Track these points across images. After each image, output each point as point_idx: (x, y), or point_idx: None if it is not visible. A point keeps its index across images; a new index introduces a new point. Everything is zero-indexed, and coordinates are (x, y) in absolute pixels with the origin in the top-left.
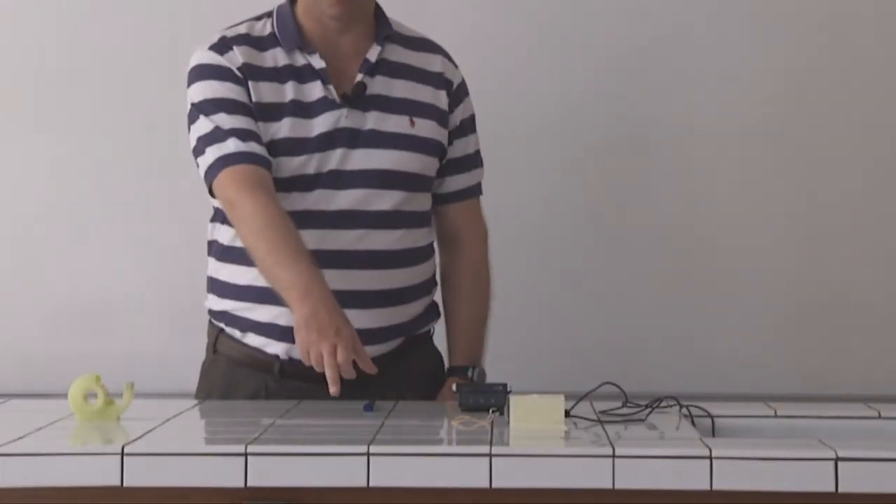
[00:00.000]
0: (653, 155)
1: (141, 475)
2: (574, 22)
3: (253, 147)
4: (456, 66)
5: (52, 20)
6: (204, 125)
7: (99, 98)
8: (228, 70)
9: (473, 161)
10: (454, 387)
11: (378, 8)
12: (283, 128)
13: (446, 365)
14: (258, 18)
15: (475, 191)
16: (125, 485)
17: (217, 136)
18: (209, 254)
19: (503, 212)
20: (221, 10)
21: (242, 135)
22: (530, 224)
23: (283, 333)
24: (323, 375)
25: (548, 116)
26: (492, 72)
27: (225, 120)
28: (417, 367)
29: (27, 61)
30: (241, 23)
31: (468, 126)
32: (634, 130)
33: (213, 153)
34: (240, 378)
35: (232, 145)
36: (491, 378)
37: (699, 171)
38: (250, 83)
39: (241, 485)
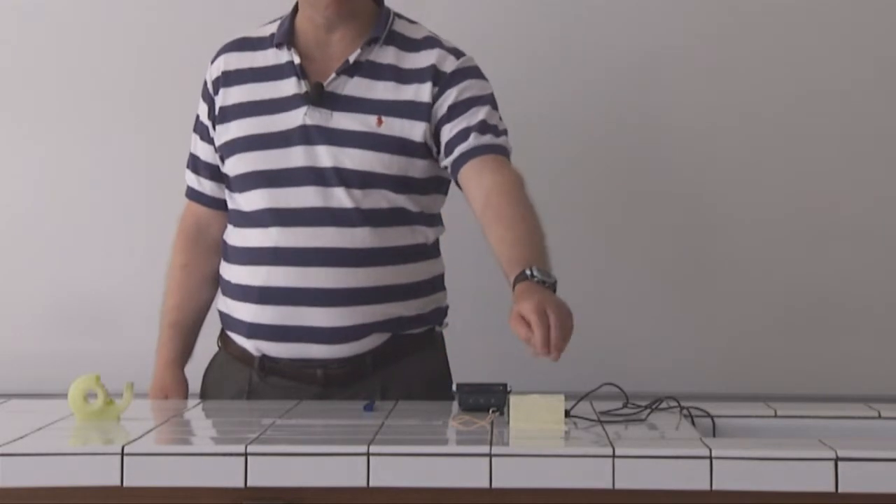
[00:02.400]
0: (653, 157)
1: (141, 475)
2: (576, 26)
3: (201, 183)
4: (457, 57)
5: (51, 19)
6: (191, 142)
7: (98, 97)
8: (205, 85)
9: (476, 128)
10: (454, 387)
11: (381, 12)
12: (250, 125)
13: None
14: (278, 19)
15: (479, 150)
16: (125, 485)
17: (189, 160)
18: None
19: None
20: (222, 13)
21: (197, 165)
22: None
23: (250, 330)
24: (300, 374)
25: (545, 118)
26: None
27: (196, 144)
28: (408, 372)
29: (26, 61)
30: (266, 23)
31: (466, 104)
32: (634, 133)
33: (186, 178)
34: (231, 372)
35: (192, 178)
36: (491, 378)
37: (698, 173)
38: (222, 90)
39: (241, 485)
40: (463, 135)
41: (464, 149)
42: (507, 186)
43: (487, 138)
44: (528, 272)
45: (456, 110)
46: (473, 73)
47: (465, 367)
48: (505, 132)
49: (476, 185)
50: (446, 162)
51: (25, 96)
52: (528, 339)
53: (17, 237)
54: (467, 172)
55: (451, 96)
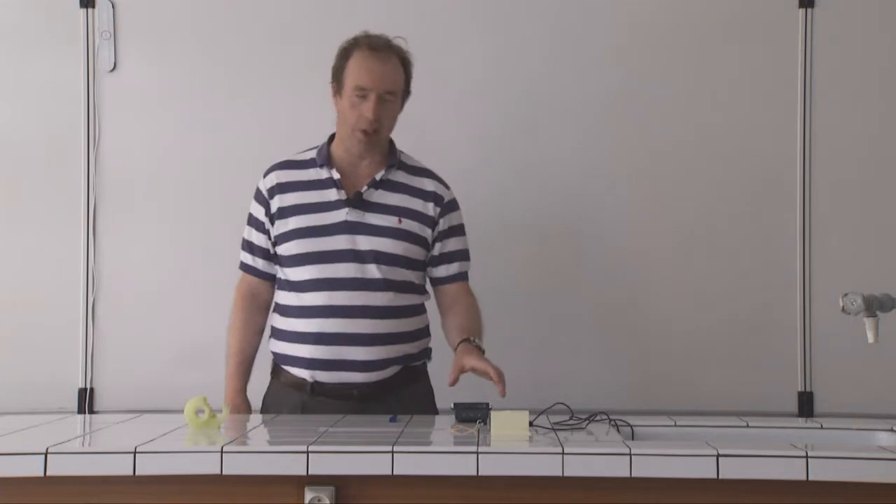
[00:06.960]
0: (590, 249)
1: (235, 467)
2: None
3: (256, 261)
4: (447, 188)
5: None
6: (245, 232)
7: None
8: (260, 192)
9: (458, 256)
10: (452, 404)
11: (392, 147)
12: (304, 220)
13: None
14: (315, 147)
15: (459, 277)
16: (224, 473)
17: (244, 244)
18: (273, 310)
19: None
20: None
21: (252, 249)
22: (504, 287)
23: (308, 364)
24: (342, 394)
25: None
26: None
27: (251, 234)
28: (413, 393)
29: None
30: (306, 150)
31: (454, 230)
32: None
33: (241, 257)
34: (286, 395)
35: (248, 258)
36: (477, 398)
37: (624, 267)
38: (277, 196)
39: (304, 473)
40: (448, 257)
41: (444, 273)
42: (466, 302)
43: (462, 265)
44: (470, 339)
45: (446, 233)
46: (456, 205)
47: (439, 389)
48: (468, 254)
49: (448, 297)
50: (432, 271)
51: (146, 191)
52: (495, 378)
53: (148, 300)
54: (444, 288)
55: (446, 221)
